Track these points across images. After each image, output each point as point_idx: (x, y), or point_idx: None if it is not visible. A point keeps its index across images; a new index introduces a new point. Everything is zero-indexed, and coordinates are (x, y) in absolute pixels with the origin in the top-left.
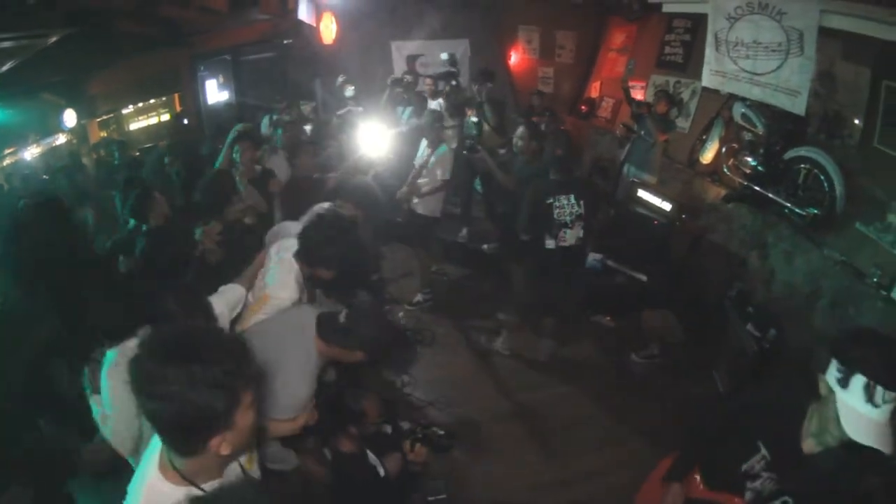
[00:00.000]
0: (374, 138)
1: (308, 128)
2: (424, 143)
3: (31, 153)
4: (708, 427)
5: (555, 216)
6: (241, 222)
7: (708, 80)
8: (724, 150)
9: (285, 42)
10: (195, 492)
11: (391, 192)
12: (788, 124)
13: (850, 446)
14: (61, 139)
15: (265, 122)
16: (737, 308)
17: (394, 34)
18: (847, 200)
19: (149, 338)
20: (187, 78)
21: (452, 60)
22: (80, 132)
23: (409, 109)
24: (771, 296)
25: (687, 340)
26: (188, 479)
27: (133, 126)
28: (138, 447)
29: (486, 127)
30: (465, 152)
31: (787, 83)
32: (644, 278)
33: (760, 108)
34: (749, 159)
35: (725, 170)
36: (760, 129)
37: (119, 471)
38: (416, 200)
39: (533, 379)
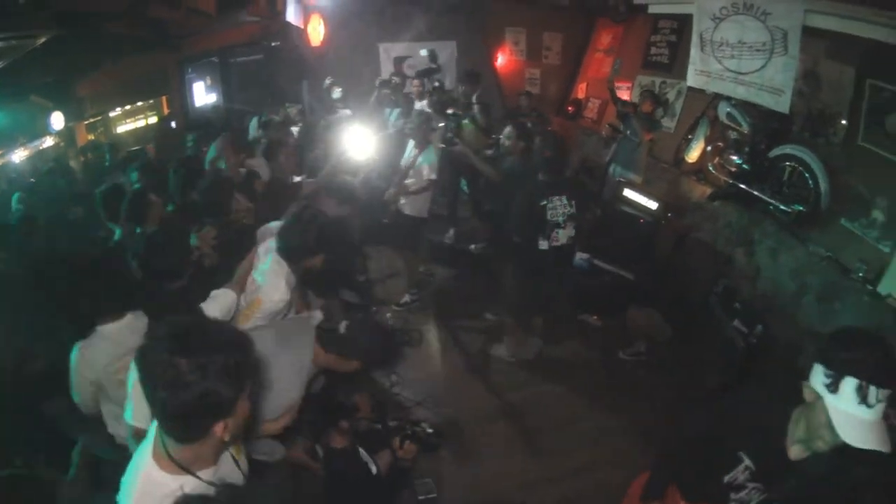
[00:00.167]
0: (361, 141)
1: (295, 129)
2: (411, 143)
3: (18, 156)
4: (681, 441)
5: (548, 217)
6: (240, 223)
7: (693, 79)
8: (709, 148)
9: (273, 44)
10: (191, 480)
11: (378, 194)
12: (773, 123)
13: (843, 450)
14: (49, 142)
15: (253, 124)
16: (723, 305)
17: (381, 36)
18: (832, 197)
19: (158, 329)
20: (175, 80)
21: (433, 56)
22: (67, 135)
23: (396, 111)
24: (757, 292)
25: (673, 338)
26: (184, 468)
27: (120, 129)
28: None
29: (473, 127)
30: (441, 145)
31: (772, 82)
32: (631, 277)
33: (745, 107)
34: (734, 158)
35: (711, 168)
36: (745, 128)
37: None
38: (403, 201)
39: (521, 378)
